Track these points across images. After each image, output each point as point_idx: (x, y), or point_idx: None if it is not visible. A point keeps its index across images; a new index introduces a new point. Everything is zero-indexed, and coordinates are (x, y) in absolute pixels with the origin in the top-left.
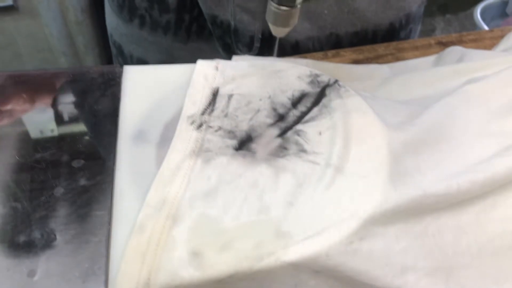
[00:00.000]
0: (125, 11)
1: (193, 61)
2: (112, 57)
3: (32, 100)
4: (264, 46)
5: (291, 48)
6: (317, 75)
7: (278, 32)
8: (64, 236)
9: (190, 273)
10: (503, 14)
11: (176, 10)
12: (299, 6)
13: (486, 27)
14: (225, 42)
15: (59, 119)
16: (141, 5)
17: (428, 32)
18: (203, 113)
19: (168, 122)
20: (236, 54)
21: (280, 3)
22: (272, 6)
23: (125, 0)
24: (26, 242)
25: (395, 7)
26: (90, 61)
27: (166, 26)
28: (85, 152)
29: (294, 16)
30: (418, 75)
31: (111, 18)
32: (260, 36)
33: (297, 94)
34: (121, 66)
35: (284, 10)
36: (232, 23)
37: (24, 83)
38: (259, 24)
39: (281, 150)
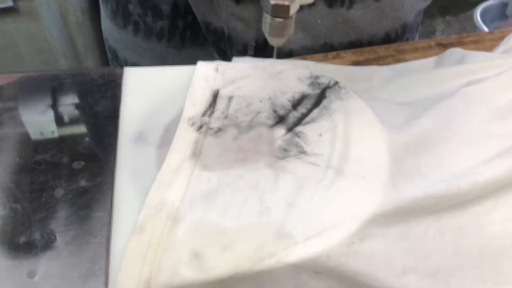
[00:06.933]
0: (119, 17)
1: None
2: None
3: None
4: (258, 53)
5: (284, 58)
6: (317, 77)
7: (274, 42)
8: (64, 237)
9: (191, 274)
10: (503, 16)
11: (170, 17)
12: (293, 16)
13: (486, 29)
14: (219, 48)
15: (59, 121)
16: (135, 11)
17: (428, 33)
18: (203, 115)
19: (169, 123)
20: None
21: (274, 15)
22: (267, 18)
23: (118, 6)
24: (26, 243)
25: (390, 18)
26: (90, 62)
27: (160, 33)
28: (85, 153)
29: (289, 27)
30: (418, 76)
31: (106, 23)
32: (253, 44)
33: (297, 95)
34: (121, 68)
35: (278, 22)
36: (226, 30)
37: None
38: (253, 33)
39: (282, 152)
